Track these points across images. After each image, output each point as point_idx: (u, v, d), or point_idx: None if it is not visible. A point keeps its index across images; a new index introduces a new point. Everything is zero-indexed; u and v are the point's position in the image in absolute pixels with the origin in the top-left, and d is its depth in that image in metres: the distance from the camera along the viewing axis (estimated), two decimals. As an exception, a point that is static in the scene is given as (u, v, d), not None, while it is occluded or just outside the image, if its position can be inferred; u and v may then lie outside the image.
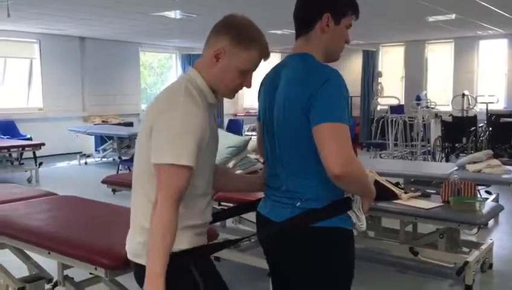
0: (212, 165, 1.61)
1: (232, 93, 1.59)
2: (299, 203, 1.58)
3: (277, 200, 1.65)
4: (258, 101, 1.76)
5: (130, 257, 1.58)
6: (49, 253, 2.26)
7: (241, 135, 9.03)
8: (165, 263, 1.39)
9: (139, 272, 1.49)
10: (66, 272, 2.50)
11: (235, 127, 11.12)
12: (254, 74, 1.59)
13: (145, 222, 1.47)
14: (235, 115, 13.68)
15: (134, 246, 1.55)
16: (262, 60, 1.57)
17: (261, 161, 2.84)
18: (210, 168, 1.58)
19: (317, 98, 1.48)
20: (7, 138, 8.89)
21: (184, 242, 1.49)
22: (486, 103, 9.99)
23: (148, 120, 1.49)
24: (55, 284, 2.77)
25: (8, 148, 7.76)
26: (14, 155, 8.13)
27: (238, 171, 3.78)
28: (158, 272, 1.38)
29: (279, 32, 9.36)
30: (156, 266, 1.38)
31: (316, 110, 1.48)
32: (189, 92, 1.48)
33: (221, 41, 1.51)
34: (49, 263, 2.68)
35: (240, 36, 1.50)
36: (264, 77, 1.75)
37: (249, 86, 1.59)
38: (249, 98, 14.13)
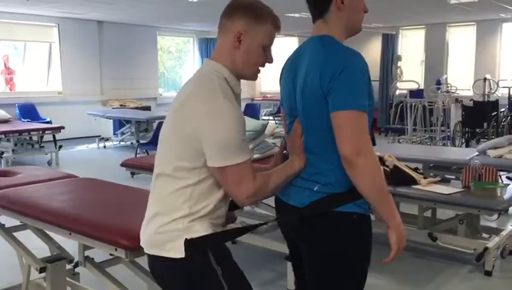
0: None
1: (256, 74, 1.60)
2: (316, 188, 1.57)
3: (295, 184, 1.64)
4: (280, 86, 1.75)
5: (146, 249, 1.59)
6: (70, 234, 2.28)
7: (258, 119, 9.00)
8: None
9: (154, 264, 1.59)
10: (86, 252, 2.54)
11: (252, 111, 11.08)
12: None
13: (159, 209, 1.54)
14: (252, 100, 13.63)
15: (147, 237, 1.58)
16: (276, 32, 1.58)
17: (279, 145, 2.82)
18: None
19: (335, 84, 1.47)
20: (27, 121, 9.03)
21: (201, 230, 1.51)
22: (509, 88, 9.77)
23: (187, 122, 1.47)
24: (76, 265, 2.82)
25: (29, 131, 7.87)
26: (35, 138, 8.23)
27: (255, 156, 3.78)
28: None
29: (296, 15, 9.24)
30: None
31: (334, 96, 1.47)
32: (224, 90, 1.48)
33: (238, 23, 1.52)
34: (70, 244, 2.72)
35: (254, 12, 1.53)
36: (285, 62, 1.73)
37: (271, 60, 1.60)
38: (266, 83, 14.06)
